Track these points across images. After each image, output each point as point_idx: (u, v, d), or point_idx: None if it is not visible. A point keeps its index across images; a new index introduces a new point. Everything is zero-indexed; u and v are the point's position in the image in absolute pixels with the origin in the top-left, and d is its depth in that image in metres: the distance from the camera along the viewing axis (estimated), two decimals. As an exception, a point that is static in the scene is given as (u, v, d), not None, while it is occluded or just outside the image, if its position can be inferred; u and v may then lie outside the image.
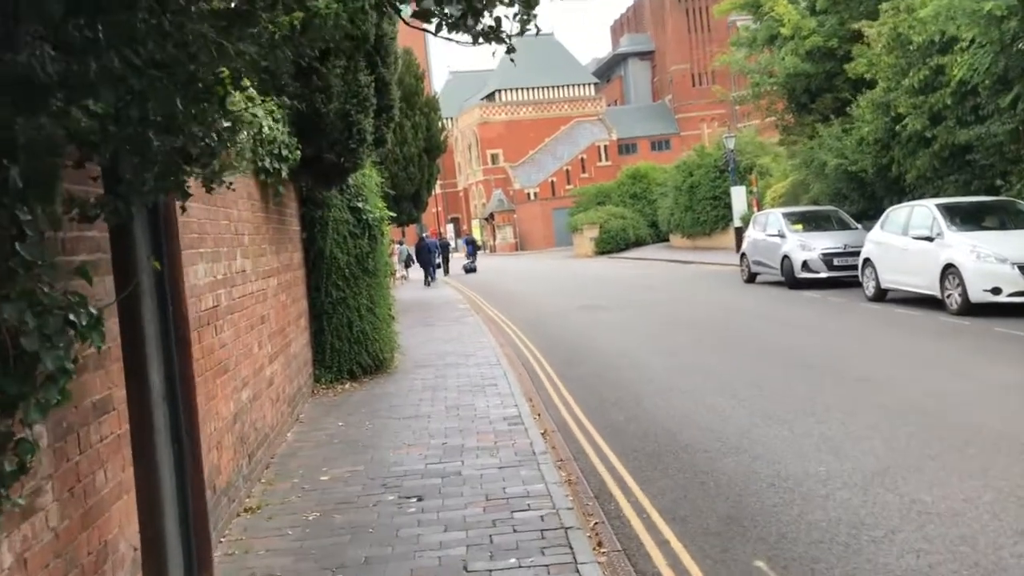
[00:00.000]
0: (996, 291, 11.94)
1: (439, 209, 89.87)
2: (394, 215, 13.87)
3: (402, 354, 13.05)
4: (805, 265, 18.34)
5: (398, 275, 34.63)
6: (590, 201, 54.40)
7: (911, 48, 15.02)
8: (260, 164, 7.76)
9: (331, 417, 9.22)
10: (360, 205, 11.40)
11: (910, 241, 13.87)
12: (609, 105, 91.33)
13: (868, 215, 19.99)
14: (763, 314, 15.16)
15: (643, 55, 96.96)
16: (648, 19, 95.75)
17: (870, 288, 15.33)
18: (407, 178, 26.47)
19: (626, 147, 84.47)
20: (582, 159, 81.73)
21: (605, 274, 31.04)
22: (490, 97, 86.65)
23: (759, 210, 28.33)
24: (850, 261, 18.02)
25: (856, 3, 20.73)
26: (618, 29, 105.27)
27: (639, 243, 49.30)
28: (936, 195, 16.07)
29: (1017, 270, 11.81)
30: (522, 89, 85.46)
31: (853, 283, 17.77)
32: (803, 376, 9.45)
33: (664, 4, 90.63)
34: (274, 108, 7.73)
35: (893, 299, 14.95)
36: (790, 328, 13.17)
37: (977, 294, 12.13)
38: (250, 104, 6.38)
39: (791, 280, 18.67)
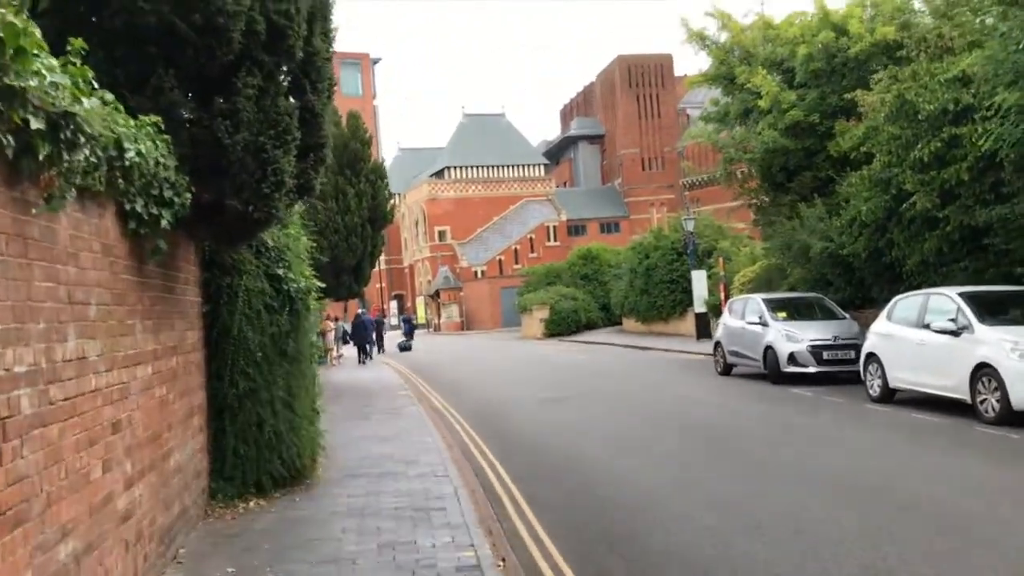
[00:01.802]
0: (1046, 398, 10.00)
1: (383, 285, 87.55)
2: (323, 287, 11.49)
3: (327, 458, 10.59)
4: (792, 358, 16.39)
5: (335, 355, 32.21)
6: (540, 281, 52.58)
7: (919, 118, 13.40)
8: (129, 206, 5.48)
9: (220, 557, 6.72)
10: (281, 272, 9.11)
11: (928, 334, 11.97)
12: (559, 186, 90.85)
13: (855, 304, 18.26)
14: (757, 416, 13.03)
15: (593, 139, 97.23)
16: (598, 104, 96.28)
17: (875, 387, 13.35)
18: (348, 249, 24.23)
19: (576, 228, 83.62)
20: (531, 238, 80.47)
21: (559, 359, 28.86)
22: (439, 174, 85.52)
23: (726, 296, 26.62)
24: (841, 355, 16.18)
25: (839, 77, 19.40)
26: (568, 113, 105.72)
27: (590, 326, 47.38)
28: (941, 283, 14.31)
29: (1070, 373, 9.91)
30: (472, 167, 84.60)
31: (845, 379, 15.87)
32: (848, 507, 7.26)
33: (614, 90, 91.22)
34: (152, 129, 5.50)
35: (903, 400, 12.98)
36: (798, 436, 11.02)
37: (1021, 400, 10.17)
38: (79, 99, 4.15)
39: (775, 374, 16.68)
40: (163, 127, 5.58)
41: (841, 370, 16.09)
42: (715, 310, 29.37)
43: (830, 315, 17.48)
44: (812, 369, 16.21)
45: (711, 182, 78.13)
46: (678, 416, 13.41)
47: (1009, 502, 7.23)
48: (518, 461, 10.30)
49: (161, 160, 5.62)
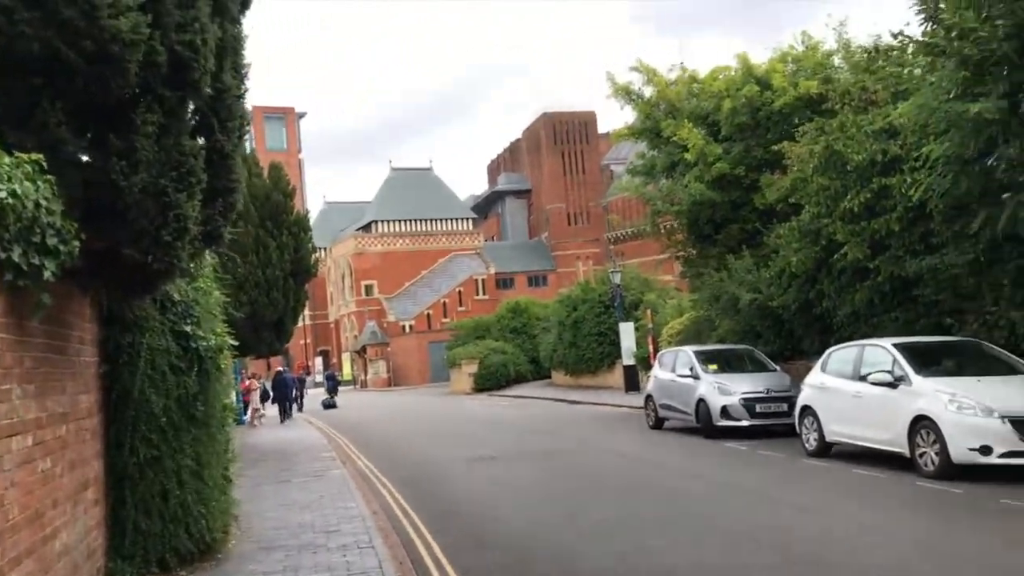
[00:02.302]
0: (985, 450, 9.83)
1: (307, 341, 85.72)
2: (237, 344, 10.78)
3: (240, 529, 9.80)
4: (725, 411, 16.13)
5: (258, 414, 31.09)
6: (468, 335, 51.99)
7: (848, 168, 13.45)
8: (4, 255, 4.82)
9: (111, 652, 5.93)
10: (189, 329, 8.41)
11: (864, 387, 11.79)
12: (487, 240, 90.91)
13: (785, 355, 18.19)
14: (693, 473, 12.63)
15: (519, 193, 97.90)
16: (524, 160, 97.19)
17: (811, 441, 13.11)
18: (269, 303, 23.28)
19: (504, 282, 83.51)
20: (459, 292, 79.98)
21: (490, 415, 28.21)
22: (366, 228, 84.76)
23: (655, 348, 26.47)
24: (774, 407, 16.01)
25: (763, 130, 19.60)
26: (495, 168, 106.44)
27: (519, 379, 46.87)
28: (871, 334, 14.26)
29: (1009, 425, 9.77)
30: (399, 221, 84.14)
31: (779, 433, 15.66)
32: (793, 573, 6.84)
33: (540, 146, 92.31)
34: (32, 168, 4.87)
35: (840, 454, 12.75)
36: (738, 496, 10.59)
37: (961, 453, 9.99)
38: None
39: (708, 428, 16.39)
40: (47, 166, 4.96)
41: (775, 423, 15.89)
42: (644, 362, 29.22)
43: (761, 367, 17.35)
44: (745, 422, 15.98)
45: (636, 236, 79.11)
46: (613, 476, 12.93)
47: (961, 563, 6.91)
48: (450, 529, 9.65)
49: (43, 203, 4.97)
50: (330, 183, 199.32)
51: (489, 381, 45.70)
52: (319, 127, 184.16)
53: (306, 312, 77.96)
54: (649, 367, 27.66)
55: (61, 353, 6.37)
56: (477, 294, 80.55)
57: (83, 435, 7.03)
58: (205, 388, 8.55)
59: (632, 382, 30.54)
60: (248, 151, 26.77)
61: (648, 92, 22.17)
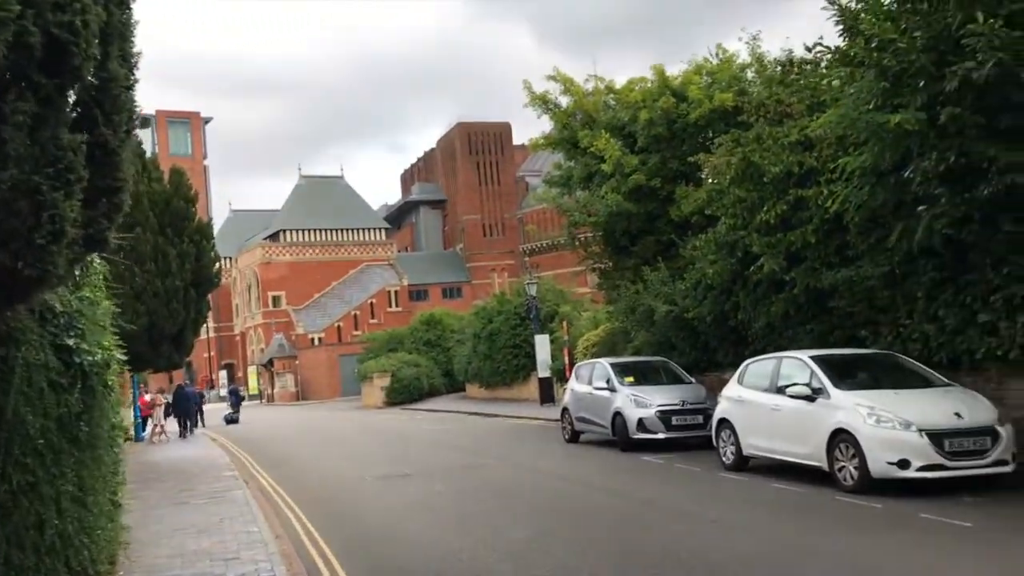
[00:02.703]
0: (904, 464, 9.79)
1: (212, 353, 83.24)
2: (126, 358, 10.02)
3: (129, 559, 9.03)
4: (641, 424, 15.95)
5: (157, 430, 29.77)
6: (381, 348, 51.12)
7: (764, 180, 13.42)
8: None
9: None
10: (72, 343, 7.66)
11: (782, 399, 11.70)
12: (400, 251, 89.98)
13: (700, 367, 18.15)
14: (612, 489, 12.33)
15: (434, 203, 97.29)
16: (439, 169, 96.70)
17: (728, 455, 12.98)
18: (169, 315, 22.22)
19: (418, 293, 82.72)
20: (372, 304, 78.84)
21: (402, 429, 27.55)
22: (274, 236, 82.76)
23: (570, 360, 26.29)
24: (689, 420, 15.93)
25: (679, 142, 19.60)
26: (409, 178, 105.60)
27: (433, 393, 46.26)
28: (787, 346, 14.28)
29: (926, 438, 9.75)
30: (309, 230, 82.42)
31: (694, 445, 15.57)
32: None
33: (455, 156, 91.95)
34: None
35: (758, 468, 12.64)
36: (656, 513, 10.33)
37: (880, 467, 9.93)
38: None
39: (624, 441, 16.19)
40: None
41: (690, 435, 15.80)
42: (559, 374, 29.05)
43: (676, 379, 17.26)
44: (661, 435, 15.83)
45: (552, 248, 79.61)
46: (530, 492, 12.54)
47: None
48: (360, 555, 9.08)
49: None
50: (238, 193, 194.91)
51: (402, 395, 44.97)
52: (226, 134, 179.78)
53: (210, 324, 75.89)
54: (565, 379, 27.48)
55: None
56: (390, 306, 79.55)
57: (-57, 461, 6.27)
58: (90, 406, 7.83)
59: (548, 394, 30.33)
60: (149, 155, 25.60)
61: (565, 102, 22.01)
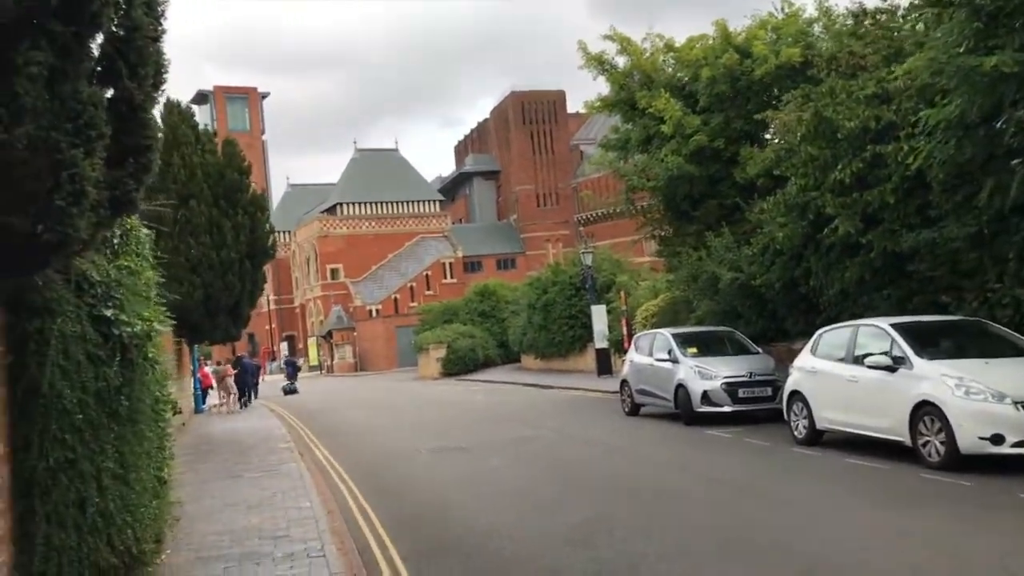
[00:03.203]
0: (997, 439, 9.02)
1: (272, 326, 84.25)
2: (185, 329, 9.68)
3: (179, 535, 8.77)
4: (706, 397, 15.29)
5: (224, 401, 30.22)
6: (436, 319, 50.94)
7: (839, 137, 12.55)
8: None
9: None
10: (110, 314, 7.31)
11: (860, 370, 10.95)
12: (454, 223, 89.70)
13: (768, 337, 17.37)
14: (677, 465, 11.73)
15: (488, 175, 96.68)
16: (492, 140, 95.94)
17: (800, 428, 12.28)
18: (225, 287, 22.10)
19: (472, 265, 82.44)
20: (427, 275, 78.80)
21: (458, 400, 27.25)
22: (331, 210, 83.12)
23: (629, 331, 25.63)
24: (757, 392, 15.21)
25: (743, 100, 18.68)
26: (462, 150, 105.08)
27: (488, 363, 45.98)
28: (861, 313, 13.47)
29: (1023, 411, 8.95)
30: (365, 203, 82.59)
31: (762, 419, 14.89)
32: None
33: (508, 126, 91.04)
34: None
35: (832, 442, 11.93)
36: (730, 492, 9.65)
37: (970, 443, 9.17)
38: None
39: (688, 415, 15.54)
40: None
41: (758, 408, 15.10)
42: (617, 345, 28.42)
43: (743, 350, 16.52)
44: (727, 408, 15.15)
45: (607, 217, 78.47)
46: (590, 468, 12.02)
47: (982, 568, 6.07)
48: (412, 533, 8.68)
49: None
50: (295, 167, 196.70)
51: (457, 366, 44.80)
52: (282, 110, 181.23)
53: (271, 297, 76.72)
54: (622, 350, 26.86)
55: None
56: (445, 277, 79.46)
57: (-26, 438, 5.97)
58: (130, 380, 7.48)
59: (604, 366, 29.74)
60: (210, 130, 25.46)
61: (622, 62, 21.13)
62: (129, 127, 5.64)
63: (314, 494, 11.03)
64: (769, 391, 15.04)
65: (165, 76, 6.01)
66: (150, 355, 7.94)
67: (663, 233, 22.20)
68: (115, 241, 8.03)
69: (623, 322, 26.76)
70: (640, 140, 20.67)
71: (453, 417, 21.28)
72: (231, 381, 29.80)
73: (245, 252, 22.63)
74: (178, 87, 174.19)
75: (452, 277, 79.51)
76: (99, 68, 5.55)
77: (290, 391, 38.87)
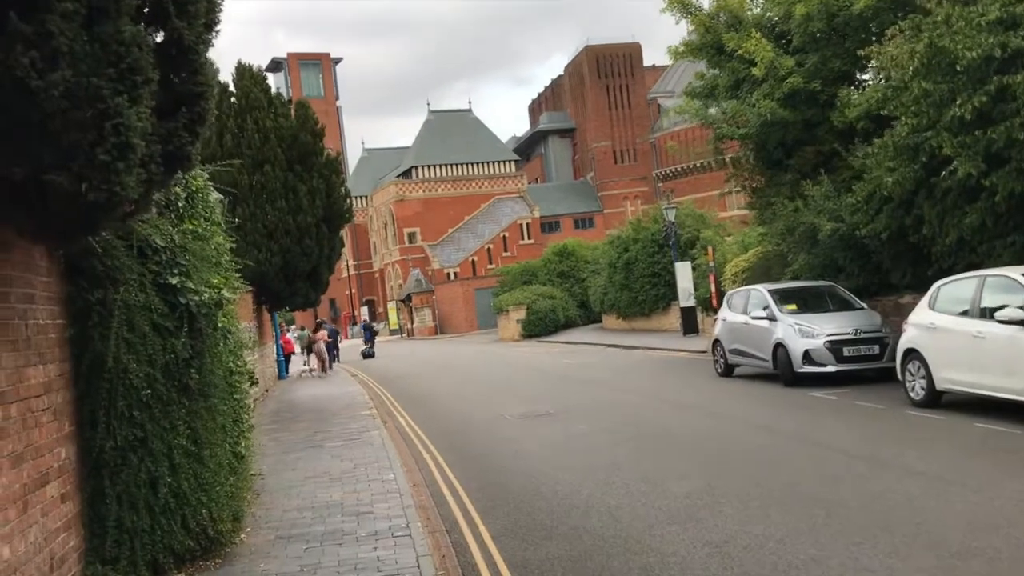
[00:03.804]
0: None
1: (353, 291, 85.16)
2: (264, 297, 9.21)
3: (260, 509, 8.38)
4: (808, 356, 14.31)
5: (307, 367, 30.50)
6: (515, 280, 50.45)
7: (957, 69, 11.32)
8: None
9: None
10: (176, 282, 6.85)
11: (988, 325, 9.90)
12: (530, 182, 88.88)
13: (871, 291, 16.23)
14: (783, 431, 10.85)
15: (563, 133, 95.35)
16: (567, 98, 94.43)
17: (917, 390, 11.28)
18: (302, 252, 21.84)
19: (549, 225, 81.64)
20: (504, 237, 78.39)
21: (540, 363, 26.68)
22: (406, 174, 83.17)
23: (717, 288, 24.59)
24: (864, 350, 14.17)
25: (840, 39, 17.33)
26: (537, 108, 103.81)
27: (569, 325, 45.34)
28: (979, 263, 12.32)
29: None
30: (440, 166, 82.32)
31: (870, 379, 13.88)
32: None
33: (583, 81, 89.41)
34: None
35: (952, 404, 10.91)
36: (845, 461, 8.78)
37: None
38: None
39: (788, 375, 14.60)
40: None
41: (866, 367, 14.07)
42: (704, 303, 27.40)
43: (845, 305, 15.42)
44: (831, 368, 14.15)
45: (688, 172, 76.60)
46: (687, 435, 11.26)
47: None
48: (502, 509, 8.09)
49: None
50: (370, 131, 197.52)
51: (537, 327, 44.30)
52: (355, 75, 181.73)
53: (350, 262, 77.29)
54: (709, 309, 25.85)
55: (-2, 312, 4.87)
56: (522, 238, 78.92)
57: (35, 418, 5.55)
58: (200, 351, 7.02)
59: (690, 325, 28.76)
60: (285, 96, 25.12)
61: (707, 2, 19.93)
62: (179, 72, 5.06)
63: (398, 465, 10.56)
64: (877, 349, 13.99)
65: (219, 15, 5.40)
66: (221, 324, 7.48)
67: (754, 184, 21.01)
68: (179, 204, 7.56)
69: (711, 279, 25.69)
70: (728, 85, 19.47)
71: (536, 380, 20.71)
72: (322, 346, 29.85)
73: (321, 216, 22.30)
74: (254, 55, 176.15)
75: (529, 238, 78.89)
76: (144, 6, 4.98)
77: (368, 355, 39.37)
